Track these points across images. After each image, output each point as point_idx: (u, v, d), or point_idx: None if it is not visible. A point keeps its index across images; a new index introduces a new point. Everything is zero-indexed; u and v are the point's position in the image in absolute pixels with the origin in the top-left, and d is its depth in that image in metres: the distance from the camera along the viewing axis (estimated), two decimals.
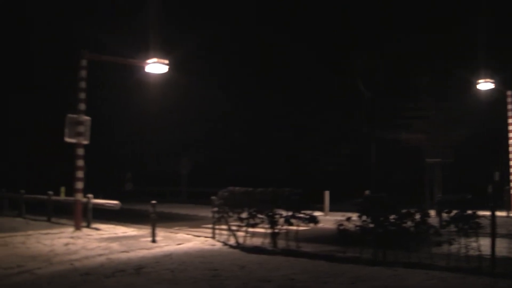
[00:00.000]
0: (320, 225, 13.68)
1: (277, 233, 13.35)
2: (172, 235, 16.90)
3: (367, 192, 20.85)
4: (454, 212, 10.81)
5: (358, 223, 11.65)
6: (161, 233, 16.67)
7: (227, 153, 45.82)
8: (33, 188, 27.07)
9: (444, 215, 11.27)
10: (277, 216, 13.32)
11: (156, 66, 19.75)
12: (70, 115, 19.01)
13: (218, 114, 45.98)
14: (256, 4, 45.00)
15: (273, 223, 13.35)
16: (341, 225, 11.95)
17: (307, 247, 12.96)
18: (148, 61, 19.70)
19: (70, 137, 18.91)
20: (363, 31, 39.58)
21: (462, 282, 9.18)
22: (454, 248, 10.64)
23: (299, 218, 13.10)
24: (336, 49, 40.40)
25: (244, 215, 13.99)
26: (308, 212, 13.16)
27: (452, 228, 10.75)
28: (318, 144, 41.07)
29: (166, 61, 19.75)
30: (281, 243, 13.23)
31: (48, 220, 21.98)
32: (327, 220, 18.63)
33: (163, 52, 21.44)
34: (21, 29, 55.99)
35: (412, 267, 10.34)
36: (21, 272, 10.32)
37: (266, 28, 44.00)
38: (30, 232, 17.36)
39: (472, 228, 10.53)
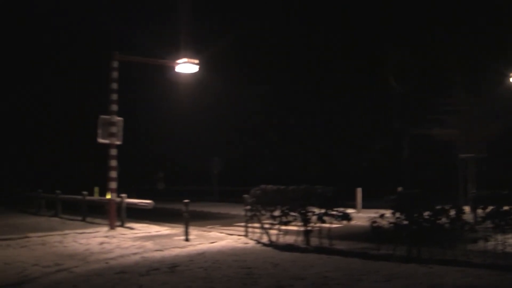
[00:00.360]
0: (352, 222, 13.60)
1: (310, 231, 13.30)
2: (205, 233, 16.96)
3: (400, 188, 20.71)
4: (490, 208, 10.68)
5: (392, 220, 11.56)
6: (194, 232, 16.75)
7: (258, 151, 45.83)
8: (68, 188, 27.41)
9: (479, 211, 11.13)
10: (309, 213, 13.28)
11: (186, 66, 19.78)
12: (102, 116, 19.17)
13: (250, 113, 45.96)
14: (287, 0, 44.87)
15: (305, 221, 13.31)
16: (375, 222, 11.88)
17: (340, 245, 12.90)
18: (179, 61, 19.76)
19: (103, 138, 19.08)
20: (395, 26, 39.22)
21: (500, 280, 9.05)
22: (490, 245, 10.53)
23: (332, 215, 13.04)
24: (368, 44, 40.07)
25: (276, 213, 13.97)
26: (341, 209, 13.10)
27: (488, 224, 10.63)
28: (350, 141, 40.84)
29: (197, 61, 19.80)
30: (314, 241, 13.20)
31: (83, 220, 22.23)
32: (360, 217, 18.52)
33: (193, 51, 21.54)
34: (53, 31, 56.49)
35: (447, 264, 10.23)
36: (59, 271, 10.46)
37: (298, 24, 43.92)
38: (66, 232, 17.59)
39: (508, 224, 10.41)
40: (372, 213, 12.68)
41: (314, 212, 13.26)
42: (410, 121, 37.03)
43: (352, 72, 40.14)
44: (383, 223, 11.75)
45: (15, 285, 9.18)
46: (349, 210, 13.65)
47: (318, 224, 13.18)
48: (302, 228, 13.44)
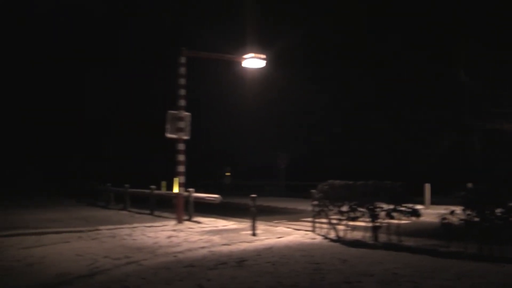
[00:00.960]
0: (421, 218, 13.38)
1: (378, 227, 13.17)
2: (272, 228, 16.97)
3: (470, 184, 20.28)
4: None
5: (462, 217, 11.33)
6: (261, 227, 16.77)
7: (325, 146, 45.63)
8: (136, 182, 27.89)
9: None
10: (378, 209, 13.14)
11: (253, 61, 19.82)
12: (170, 111, 19.40)
13: (316, 107, 45.81)
14: None
15: (374, 217, 13.18)
16: (444, 218, 11.66)
17: (408, 241, 12.72)
18: (245, 56, 19.81)
19: (171, 132, 19.31)
20: (466, 17, 38.41)
21: None
22: None
23: (401, 211, 12.85)
24: (438, 36, 39.36)
25: (344, 208, 13.86)
26: (410, 205, 12.91)
27: None
28: (418, 135, 40.22)
29: (264, 56, 19.83)
30: (382, 237, 13.06)
31: (151, 214, 22.58)
32: (428, 213, 18.25)
33: (259, 47, 21.57)
34: (122, 28, 57.51)
35: None
36: (128, 263, 10.64)
37: (364, 18, 43.54)
38: (135, 225, 17.90)
39: None
40: (441, 209, 12.49)
41: (382, 207, 13.11)
42: (481, 115, 36.24)
43: (421, 66, 39.49)
44: (453, 219, 11.53)
45: (87, 276, 9.36)
46: (418, 206, 13.38)
47: (386, 220, 13.04)
48: (370, 224, 13.31)
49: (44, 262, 10.77)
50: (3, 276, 9.45)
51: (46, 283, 8.84)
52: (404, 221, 13.18)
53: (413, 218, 13.03)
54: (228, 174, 42.88)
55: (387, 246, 12.29)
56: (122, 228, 17.05)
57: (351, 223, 13.79)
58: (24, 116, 65.29)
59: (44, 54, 62.92)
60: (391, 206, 12.90)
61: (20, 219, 20.21)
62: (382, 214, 13.04)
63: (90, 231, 16.18)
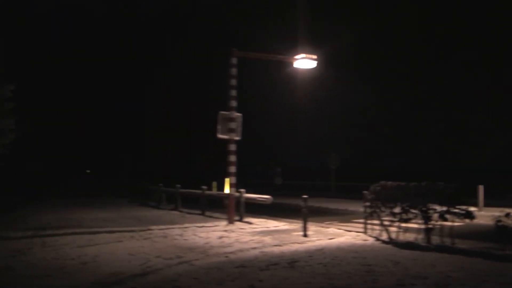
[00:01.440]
0: (474, 221, 13.17)
1: (431, 229, 13.02)
2: (323, 229, 16.92)
3: None
4: None
5: None
6: (312, 227, 16.77)
7: (376, 147, 45.32)
8: (187, 183, 28.12)
9: None
10: (431, 211, 13.00)
11: (304, 62, 19.80)
12: (222, 112, 19.49)
13: (366, 108, 45.54)
14: None
15: (426, 218, 13.03)
16: (499, 221, 11.48)
17: (462, 244, 12.55)
18: (297, 56, 19.80)
19: (222, 133, 19.41)
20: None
21: None
22: None
23: (454, 213, 12.69)
24: (489, 34, 38.71)
25: (396, 210, 13.75)
26: (463, 207, 12.73)
27: None
28: (471, 136, 39.58)
29: (315, 56, 19.78)
30: (435, 239, 12.91)
31: (202, 214, 22.74)
32: (482, 215, 17.96)
33: (311, 47, 21.55)
34: (172, 29, 58.09)
35: None
36: (180, 263, 10.72)
37: (416, 17, 43.07)
38: (186, 225, 18.04)
39: None
40: (495, 212, 12.27)
41: (435, 209, 12.97)
42: None
43: (473, 65, 38.89)
44: (509, 222, 11.34)
45: (139, 276, 9.47)
46: (471, 208, 13.17)
47: (439, 222, 12.89)
48: (422, 226, 13.16)
49: (97, 261, 10.95)
50: (58, 274, 9.62)
51: (100, 282, 8.98)
52: (457, 223, 13.00)
53: (467, 220, 12.85)
54: (279, 174, 42.83)
55: (440, 249, 12.14)
56: (174, 228, 17.21)
57: (403, 224, 13.68)
58: (77, 119, 66.40)
59: (89, 54, 64.10)
60: (444, 208, 12.74)
61: (74, 218, 20.58)
62: (435, 216, 12.90)
63: (142, 230, 16.38)
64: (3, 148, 21.80)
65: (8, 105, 21.75)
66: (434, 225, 12.97)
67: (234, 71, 19.14)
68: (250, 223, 19.00)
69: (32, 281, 9.11)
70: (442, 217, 12.74)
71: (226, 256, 11.52)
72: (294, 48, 21.54)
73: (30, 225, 17.73)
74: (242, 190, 20.64)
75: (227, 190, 20.19)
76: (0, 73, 21.29)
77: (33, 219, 19.71)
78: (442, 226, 12.78)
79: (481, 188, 24.89)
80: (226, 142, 19.36)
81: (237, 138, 19.47)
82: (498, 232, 11.53)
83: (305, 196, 15.78)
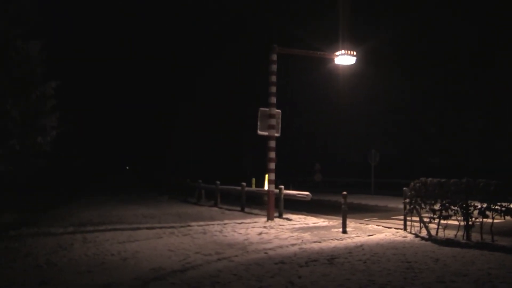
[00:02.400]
0: None
1: (471, 226, 12.94)
2: (363, 226, 16.87)
3: None
4: None
5: None
6: (351, 224, 16.76)
7: (416, 143, 44.95)
8: (224, 179, 28.25)
9: None
10: (471, 208, 12.91)
11: (344, 58, 19.75)
12: (262, 109, 19.54)
13: (407, 104, 45.17)
14: None
15: (467, 215, 12.95)
16: None
17: (502, 241, 12.47)
18: (337, 53, 19.76)
19: (262, 130, 19.46)
20: None
21: None
22: None
23: (495, 210, 12.60)
24: None
25: (436, 206, 13.68)
26: (504, 204, 12.62)
27: None
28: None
29: (354, 53, 19.73)
30: (475, 236, 12.84)
31: (242, 210, 22.81)
32: None
33: (351, 43, 21.48)
34: (212, 26, 58.34)
35: None
36: (220, 259, 10.78)
37: (457, 14, 42.54)
38: (226, 221, 18.14)
39: None
40: None
41: (475, 206, 12.87)
42: None
43: None
44: None
45: (179, 272, 9.55)
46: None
47: (479, 219, 12.80)
48: (462, 223, 13.09)
49: (137, 256, 11.06)
50: (99, 269, 9.76)
51: (140, 278, 9.07)
52: (497, 220, 12.88)
53: (508, 217, 12.73)
54: (319, 170, 42.67)
55: (480, 246, 12.06)
56: (213, 224, 17.31)
57: (443, 221, 13.60)
58: (117, 117, 67.17)
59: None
60: (485, 205, 12.65)
61: (115, 214, 20.76)
62: (475, 212, 12.81)
63: (182, 227, 16.48)
64: (46, 145, 22.11)
65: (50, 102, 22.05)
66: (474, 222, 12.88)
67: (274, 67, 19.14)
68: (289, 219, 19.01)
69: (73, 276, 9.24)
70: (482, 213, 12.64)
71: (265, 253, 11.56)
72: (335, 45, 21.39)
73: (71, 221, 17.93)
74: (281, 186, 20.69)
75: (267, 186, 20.23)
76: (42, 72, 21.59)
77: (74, 216, 19.92)
78: (482, 223, 12.69)
79: None
80: (266, 138, 19.39)
81: (276, 134, 19.50)
82: None
83: (344, 193, 15.77)
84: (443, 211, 13.44)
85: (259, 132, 19.58)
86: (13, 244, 12.66)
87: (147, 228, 15.98)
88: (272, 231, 15.55)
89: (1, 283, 8.75)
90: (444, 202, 13.41)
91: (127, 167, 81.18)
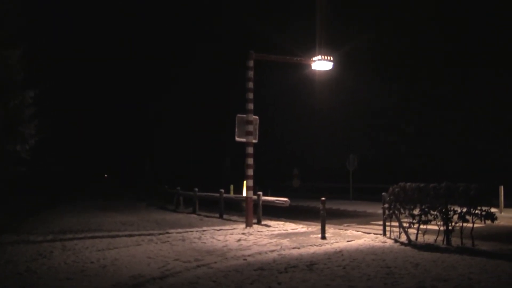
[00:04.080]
0: (495, 222, 13.01)
1: (451, 230, 12.91)
2: (342, 231, 16.82)
3: None
4: None
5: None
6: (330, 230, 16.70)
7: (395, 147, 45.06)
8: (203, 186, 28.14)
9: None
10: (451, 212, 12.87)
11: (321, 63, 19.69)
12: (239, 115, 19.45)
13: (386, 108, 45.33)
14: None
15: (446, 220, 12.91)
16: None
17: (483, 246, 12.45)
18: (314, 58, 19.70)
19: (239, 136, 19.36)
20: None
21: None
22: None
23: (475, 214, 12.57)
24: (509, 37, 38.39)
25: (415, 211, 13.63)
26: (484, 208, 12.59)
27: None
28: (493, 136, 39.13)
29: (331, 58, 19.70)
30: (455, 241, 12.81)
31: (220, 217, 22.70)
32: (503, 217, 17.84)
33: (329, 49, 21.47)
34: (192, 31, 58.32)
35: None
36: (199, 266, 10.71)
37: (433, 19, 42.80)
38: (204, 228, 18.03)
39: None
40: None
41: (456, 210, 12.84)
42: None
43: (495, 64, 38.49)
44: None
45: (158, 279, 9.48)
46: (492, 210, 13.01)
47: (459, 224, 12.76)
48: (442, 228, 13.05)
49: (117, 264, 10.95)
50: (78, 277, 9.66)
51: (120, 285, 9.00)
52: (477, 225, 12.87)
53: (488, 222, 12.71)
54: (296, 175, 42.63)
55: (461, 250, 12.02)
56: (192, 231, 17.19)
57: (422, 226, 13.56)
58: (94, 123, 66.87)
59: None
60: (465, 209, 12.62)
61: (94, 222, 20.61)
62: (455, 217, 12.78)
63: (160, 234, 16.37)
64: (24, 153, 21.95)
65: (29, 111, 21.90)
66: (454, 226, 12.84)
67: (250, 73, 19.05)
68: (268, 226, 18.92)
69: (53, 283, 9.20)
70: (462, 218, 12.61)
71: (244, 259, 11.47)
72: (312, 50, 21.38)
73: (51, 229, 17.84)
74: (259, 192, 20.61)
75: (245, 193, 20.11)
76: (19, 80, 21.40)
77: (53, 223, 19.81)
78: (462, 228, 12.66)
79: (501, 189, 24.60)
80: (244, 145, 19.28)
81: (254, 140, 19.40)
82: None
83: (323, 198, 15.70)
84: (423, 216, 13.39)
85: (237, 139, 19.47)
86: None
87: (126, 236, 15.85)
88: (251, 237, 15.46)
89: None
90: (423, 206, 13.37)
91: (106, 175, 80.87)
